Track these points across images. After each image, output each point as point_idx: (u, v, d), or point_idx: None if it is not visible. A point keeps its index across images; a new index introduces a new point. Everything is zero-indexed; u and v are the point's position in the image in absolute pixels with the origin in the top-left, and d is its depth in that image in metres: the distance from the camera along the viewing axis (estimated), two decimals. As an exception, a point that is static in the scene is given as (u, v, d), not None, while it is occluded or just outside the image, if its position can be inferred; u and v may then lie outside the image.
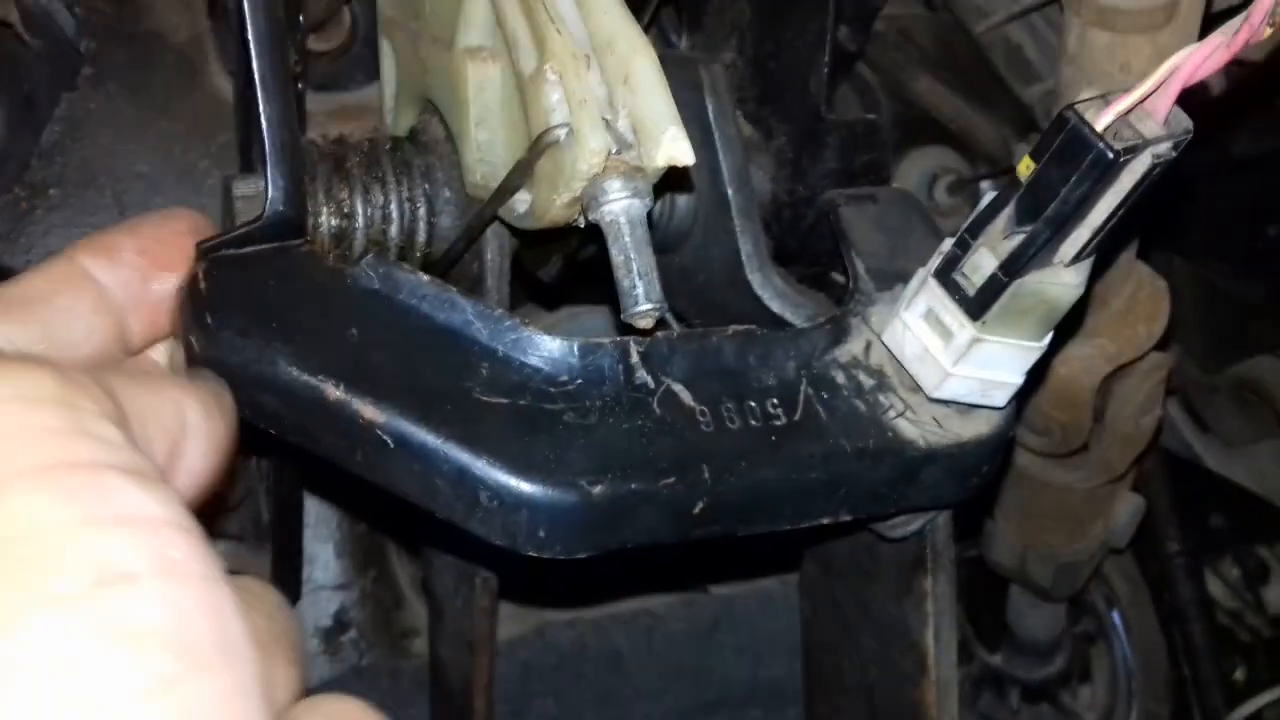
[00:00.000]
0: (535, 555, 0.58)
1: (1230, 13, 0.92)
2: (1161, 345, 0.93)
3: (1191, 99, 0.52)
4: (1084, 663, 1.30)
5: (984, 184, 1.24)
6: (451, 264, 0.72)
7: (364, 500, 1.03)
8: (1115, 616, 1.28)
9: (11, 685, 0.29)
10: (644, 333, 0.60)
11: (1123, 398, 0.93)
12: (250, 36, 0.60)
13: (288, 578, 0.89)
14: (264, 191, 0.63)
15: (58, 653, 0.30)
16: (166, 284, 0.56)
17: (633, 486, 0.58)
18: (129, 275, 0.54)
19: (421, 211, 0.70)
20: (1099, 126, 0.52)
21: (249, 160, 0.78)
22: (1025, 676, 1.28)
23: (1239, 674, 1.29)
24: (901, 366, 0.64)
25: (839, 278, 0.86)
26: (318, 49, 1.01)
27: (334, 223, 0.69)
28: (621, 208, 0.57)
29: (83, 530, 0.31)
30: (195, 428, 0.42)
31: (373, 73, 1.05)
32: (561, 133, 0.57)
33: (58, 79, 0.96)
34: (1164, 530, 1.26)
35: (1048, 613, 1.22)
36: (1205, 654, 1.24)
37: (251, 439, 0.56)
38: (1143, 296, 0.89)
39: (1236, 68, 0.89)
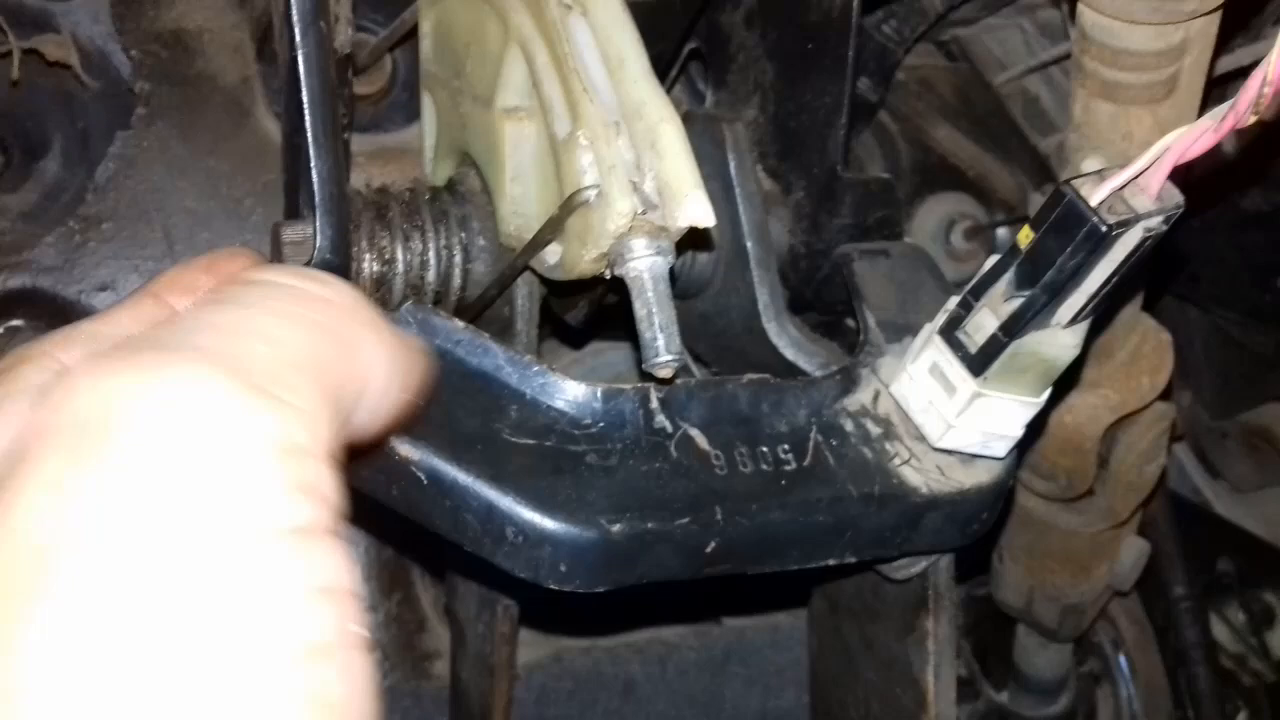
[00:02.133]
0: (556, 589, 0.62)
1: (1234, 76, 0.95)
2: (1166, 395, 0.96)
3: (1206, 157, 0.55)
4: (1089, 703, 1.32)
5: (1000, 230, 1.28)
6: (484, 308, 0.76)
7: (391, 527, 1.07)
8: (1120, 658, 1.30)
9: None
10: (662, 381, 0.64)
11: (1127, 446, 0.96)
12: (304, 97, 0.64)
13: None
14: (311, 237, 0.67)
15: None
16: None
17: (649, 526, 0.61)
18: None
19: (457, 259, 0.74)
20: (1093, 201, 0.55)
21: (294, 201, 0.82)
22: (1031, 715, 1.30)
23: (1241, 718, 1.31)
24: (907, 416, 0.68)
25: (851, 324, 0.90)
26: (360, 93, 1.05)
27: (375, 268, 0.73)
28: (646, 265, 0.61)
29: (297, 602, 0.33)
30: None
31: (410, 116, 1.10)
32: (591, 194, 0.61)
33: (113, 118, 1.01)
34: (1171, 574, 1.28)
35: (1054, 652, 1.24)
36: (1209, 697, 1.26)
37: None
38: (1147, 349, 0.92)
39: (1246, 129, 0.92)
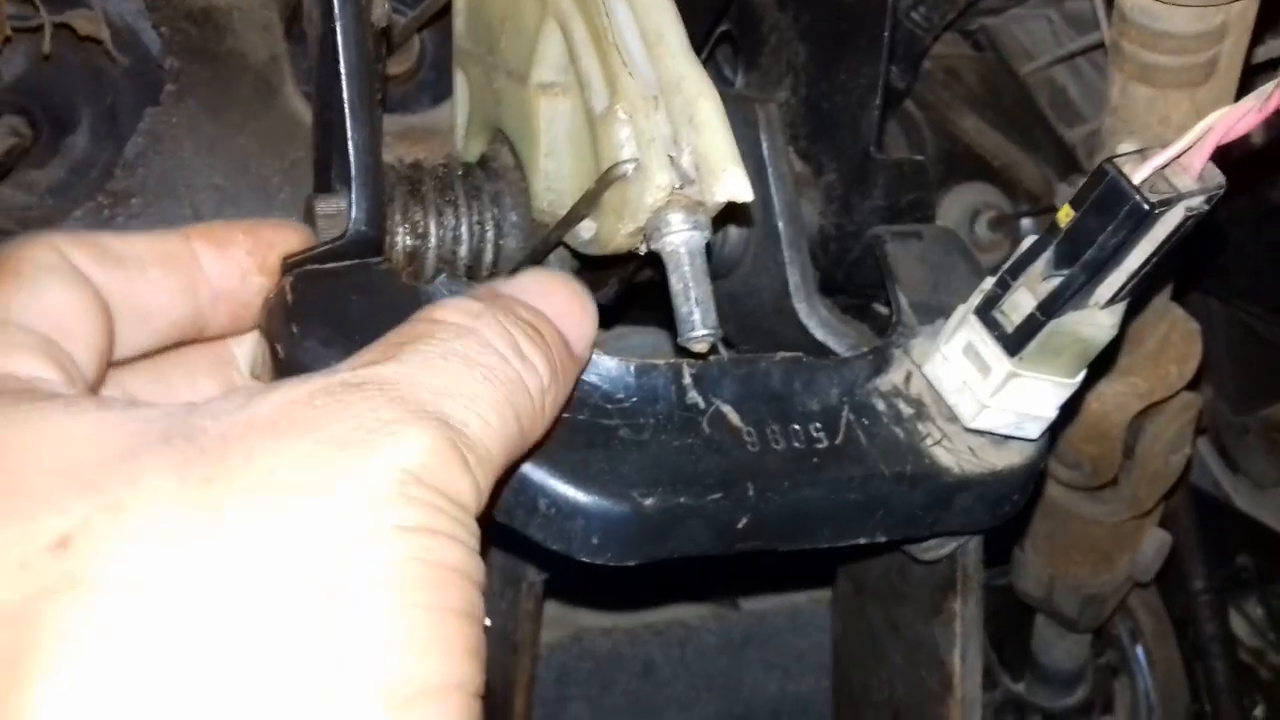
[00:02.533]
0: (587, 561, 0.62)
1: (1269, 66, 0.95)
2: (1193, 385, 0.96)
3: (1231, 148, 0.55)
4: (1106, 694, 1.32)
5: (1024, 221, 1.27)
6: (515, 284, 0.76)
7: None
8: (1139, 650, 1.30)
9: None
10: (696, 356, 0.64)
11: (1153, 435, 0.96)
12: (342, 68, 0.64)
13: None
14: (345, 210, 0.67)
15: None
16: (261, 287, 0.59)
17: (681, 500, 0.61)
18: (231, 269, 0.57)
19: (490, 234, 0.74)
20: (1136, 180, 0.55)
21: (324, 178, 0.82)
22: (1048, 705, 1.30)
23: (1259, 711, 1.31)
24: (940, 397, 0.67)
25: (880, 309, 0.89)
26: (389, 73, 1.06)
27: (408, 242, 0.73)
28: (683, 239, 0.61)
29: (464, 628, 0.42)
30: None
31: (439, 96, 1.10)
32: (629, 168, 0.61)
33: (142, 94, 1.02)
34: (1190, 567, 1.28)
35: (1072, 643, 1.24)
36: (1226, 690, 1.26)
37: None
38: (1175, 338, 0.92)
39: (1275, 118, 0.92)
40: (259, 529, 0.38)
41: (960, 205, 1.27)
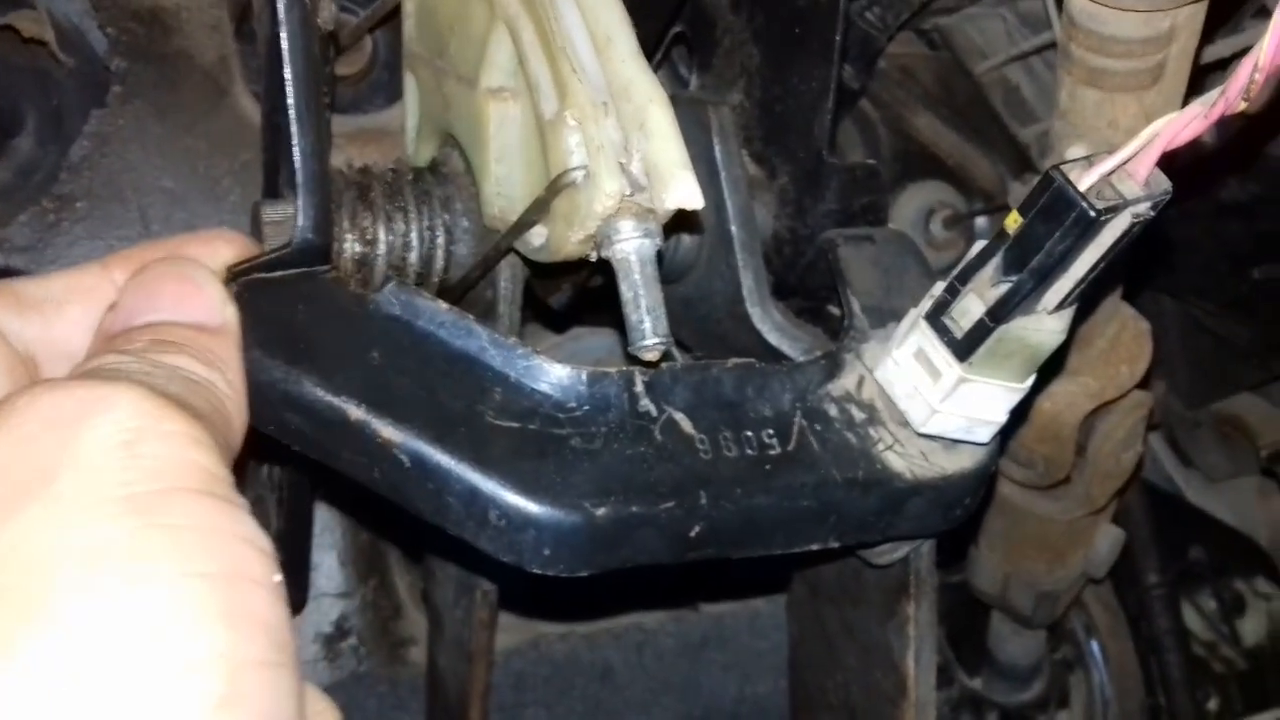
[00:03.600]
0: (540, 572, 0.61)
1: (1218, 65, 0.96)
2: (1143, 383, 0.97)
3: (1180, 151, 0.55)
4: (1062, 689, 1.33)
5: (979, 219, 1.28)
6: (466, 290, 0.75)
7: (368, 510, 1.06)
8: (1094, 645, 1.32)
9: None
10: (648, 364, 0.64)
11: (1104, 434, 0.97)
12: (287, 74, 0.64)
13: (294, 585, 0.92)
14: (291, 217, 0.66)
15: (185, 615, 0.36)
16: None
17: (634, 509, 0.61)
18: None
19: (440, 240, 0.74)
20: (1082, 186, 0.55)
21: (274, 181, 0.81)
22: (1004, 701, 1.31)
23: (1212, 704, 1.33)
24: (891, 401, 0.68)
25: (834, 310, 0.90)
26: (340, 73, 1.04)
27: (357, 249, 0.72)
28: (633, 247, 0.60)
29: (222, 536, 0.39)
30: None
31: (391, 97, 1.09)
32: (579, 174, 0.61)
33: (88, 96, 1.00)
34: (1144, 561, 1.29)
35: (1028, 639, 1.25)
36: (1180, 684, 1.28)
37: (265, 447, 0.59)
38: (1126, 337, 0.93)
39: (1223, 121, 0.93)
40: None
41: (915, 203, 1.28)
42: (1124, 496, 1.13)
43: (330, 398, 0.60)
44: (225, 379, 0.49)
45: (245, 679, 0.36)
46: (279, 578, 0.39)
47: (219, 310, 0.52)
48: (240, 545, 0.39)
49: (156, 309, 0.51)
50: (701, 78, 0.90)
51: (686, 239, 0.81)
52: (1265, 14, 0.98)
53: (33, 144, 1.02)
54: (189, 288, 0.53)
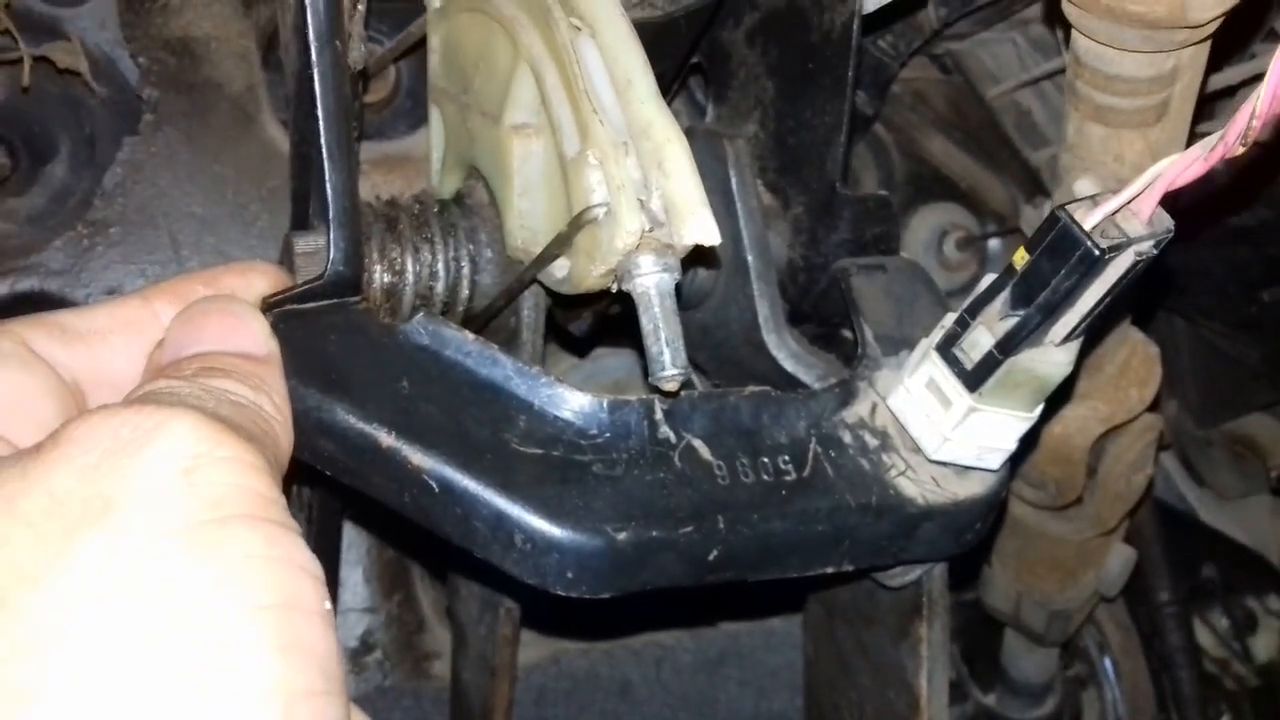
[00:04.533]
0: (563, 594, 0.63)
1: (1226, 93, 0.98)
2: (1153, 406, 0.98)
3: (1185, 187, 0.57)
4: (1075, 706, 1.35)
5: (991, 241, 1.30)
6: (490, 318, 0.77)
7: (393, 528, 1.08)
8: (1106, 662, 1.33)
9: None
10: (667, 394, 0.66)
11: (1115, 456, 0.99)
12: (320, 113, 0.66)
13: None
14: (323, 249, 0.68)
15: (244, 647, 0.38)
16: None
17: (654, 534, 0.63)
18: None
19: (465, 270, 0.76)
20: (1087, 225, 0.57)
21: (301, 210, 0.84)
22: (1018, 717, 1.32)
23: (1224, 720, 1.34)
24: (904, 428, 0.69)
25: (847, 335, 0.92)
26: (365, 100, 1.07)
27: (386, 279, 0.74)
28: (653, 281, 0.62)
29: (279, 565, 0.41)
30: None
31: (414, 124, 1.12)
32: (600, 211, 0.63)
33: (120, 124, 1.03)
34: (1156, 580, 1.31)
35: (1041, 656, 1.27)
36: (1192, 701, 1.29)
37: (295, 469, 0.62)
38: (1135, 362, 0.94)
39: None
40: (52, 542, 0.39)
41: (928, 225, 1.30)
42: (1136, 515, 1.15)
43: (362, 425, 0.62)
44: (272, 403, 0.50)
45: (299, 710, 0.38)
46: (329, 605, 0.41)
47: (264, 341, 0.55)
48: (297, 574, 0.40)
49: (203, 341, 0.53)
50: (717, 109, 0.92)
51: (704, 269, 0.83)
52: (1275, 37, 1.00)
53: (66, 171, 1.05)
54: (233, 321, 0.55)
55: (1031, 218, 1.18)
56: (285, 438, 0.51)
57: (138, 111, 1.03)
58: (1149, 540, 1.29)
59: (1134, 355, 0.94)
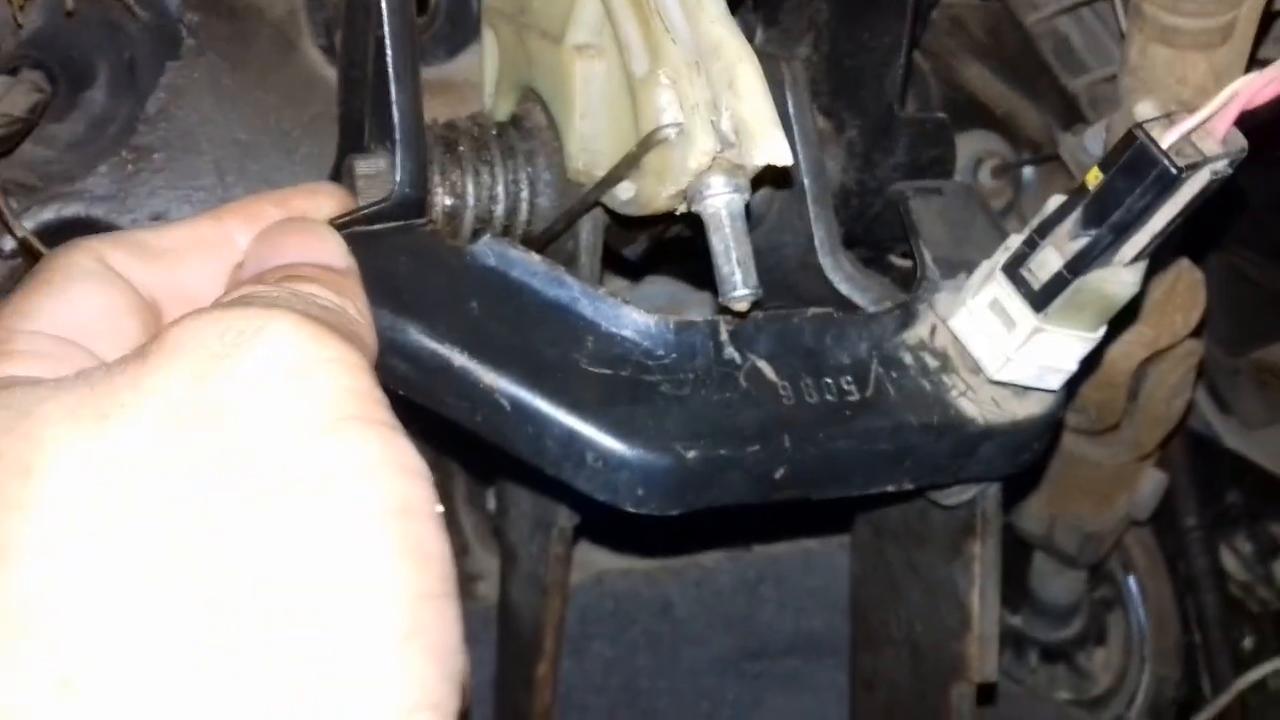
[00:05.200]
0: (633, 511, 0.65)
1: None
2: (1195, 333, 0.99)
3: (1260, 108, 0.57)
4: (1100, 627, 1.37)
5: (1026, 169, 1.30)
6: (549, 241, 0.78)
7: (434, 452, 1.10)
8: (1132, 584, 1.35)
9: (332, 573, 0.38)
10: (737, 315, 0.66)
11: (1156, 381, 0.99)
12: (386, 32, 0.66)
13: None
14: (384, 171, 0.69)
15: (368, 552, 0.38)
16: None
17: (722, 452, 0.64)
18: None
19: (525, 193, 0.76)
20: (1164, 144, 0.57)
21: (352, 136, 0.84)
22: (1044, 638, 1.35)
23: (1247, 643, 1.36)
24: (963, 349, 0.70)
25: (896, 260, 0.92)
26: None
27: (447, 202, 0.75)
28: (724, 202, 0.63)
29: (395, 469, 0.40)
30: None
31: (453, 49, 1.11)
32: (672, 131, 0.63)
33: (162, 49, 1.02)
34: (1182, 505, 1.32)
35: (1069, 578, 1.29)
36: (1216, 623, 1.31)
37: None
38: (1181, 287, 0.95)
39: None
40: (169, 453, 0.39)
41: (964, 153, 1.29)
42: (1169, 443, 1.16)
43: (435, 345, 0.63)
44: (356, 308, 0.50)
45: (424, 612, 0.38)
46: (440, 507, 0.42)
47: (343, 255, 0.55)
48: (411, 478, 0.40)
49: (286, 255, 0.53)
50: (767, 31, 0.91)
51: (758, 191, 0.83)
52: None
53: (105, 96, 1.04)
54: (311, 238, 0.55)
55: (1071, 145, 1.18)
56: (373, 342, 0.51)
57: (178, 36, 1.02)
58: (1177, 466, 1.30)
59: (1180, 280, 0.95)
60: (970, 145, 1.29)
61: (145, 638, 0.37)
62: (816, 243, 0.79)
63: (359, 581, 0.38)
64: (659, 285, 1.11)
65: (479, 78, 0.90)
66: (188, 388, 0.40)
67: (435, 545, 0.40)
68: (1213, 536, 1.34)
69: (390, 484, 0.40)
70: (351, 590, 0.38)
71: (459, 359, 0.63)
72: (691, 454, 0.64)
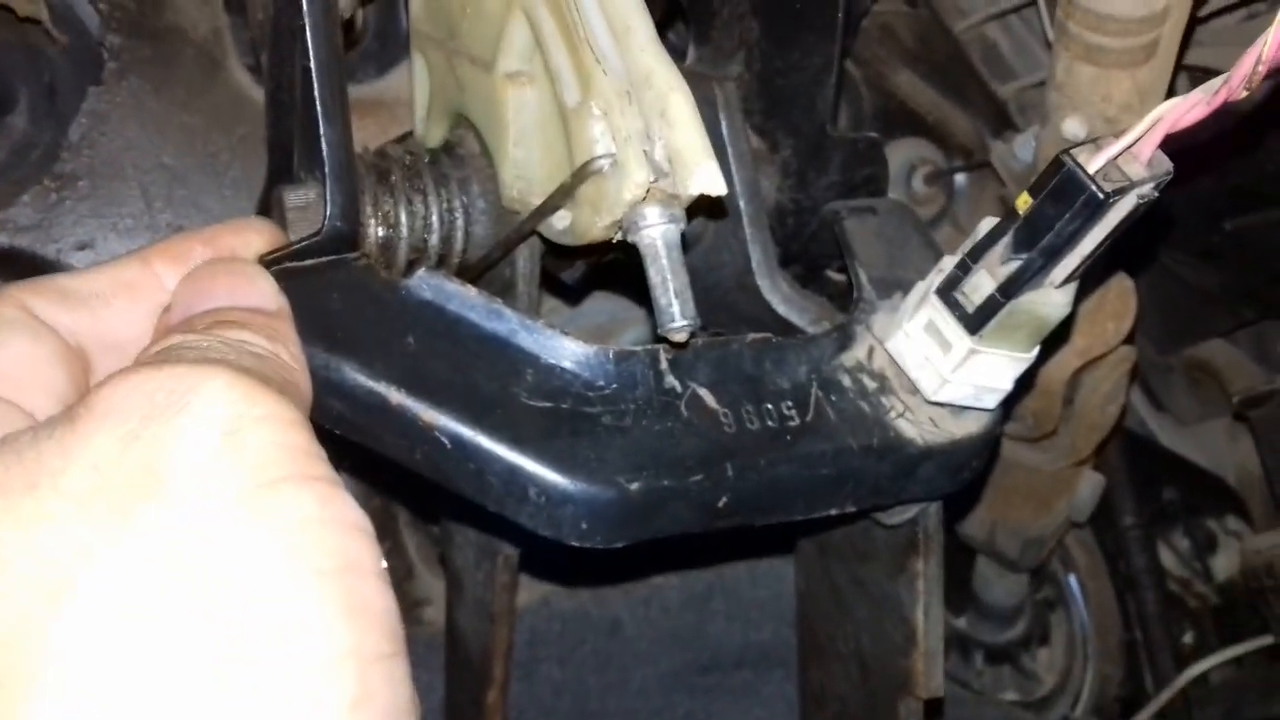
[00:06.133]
0: (578, 545, 0.64)
1: (1218, 15, 0.98)
2: (1128, 339, 1.00)
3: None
4: (1044, 627, 1.39)
5: (958, 176, 1.31)
6: (485, 270, 0.77)
7: (378, 476, 1.08)
8: (1073, 584, 1.37)
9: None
10: (676, 345, 0.66)
11: (1090, 388, 1.01)
12: (313, 63, 0.65)
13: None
14: (315, 202, 0.67)
15: (311, 615, 0.37)
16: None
17: (665, 483, 0.64)
18: None
19: (460, 222, 0.75)
20: (1091, 169, 0.58)
21: (280, 161, 0.82)
22: (989, 640, 1.37)
23: (1188, 638, 1.39)
24: (901, 370, 0.71)
25: (833, 275, 0.92)
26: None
27: (381, 232, 0.74)
28: (660, 233, 0.62)
29: (334, 527, 0.40)
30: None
31: (383, 67, 1.10)
32: (605, 163, 0.63)
33: (83, 73, 1.00)
34: (1120, 504, 1.35)
35: (1011, 581, 1.31)
36: (1156, 620, 1.34)
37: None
38: (1112, 295, 0.96)
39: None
40: (103, 520, 0.38)
41: (897, 160, 1.30)
42: (1105, 447, 1.18)
43: (371, 383, 0.62)
44: (289, 352, 0.49)
45: (372, 675, 0.38)
46: (384, 563, 0.41)
47: (274, 296, 0.54)
48: (353, 534, 0.40)
49: (213, 299, 0.52)
50: (698, 50, 0.91)
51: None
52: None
53: (26, 123, 1.02)
54: (241, 280, 0.54)
55: (1001, 152, 1.19)
56: (307, 388, 0.50)
57: (100, 60, 1.00)
58: (1114, 466, 1.33)
59: (1110, 289, 0.96)
60: (902, 152, 1.30)
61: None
62: (753, 264, 0.79)
63: (303, 648, 0.37)
64: (599, 302, 1.10)
65: (410, 96, 0.89)
66: (117, 453, 0.39)
67: (380, 602, 0.40)
68: (1151, 534, 1.37)
69: (330, 542, 0.39)
70: (296, 659, 0.37)
71: (396, 396, 0.62)
72: (634, 486, 0.63)
